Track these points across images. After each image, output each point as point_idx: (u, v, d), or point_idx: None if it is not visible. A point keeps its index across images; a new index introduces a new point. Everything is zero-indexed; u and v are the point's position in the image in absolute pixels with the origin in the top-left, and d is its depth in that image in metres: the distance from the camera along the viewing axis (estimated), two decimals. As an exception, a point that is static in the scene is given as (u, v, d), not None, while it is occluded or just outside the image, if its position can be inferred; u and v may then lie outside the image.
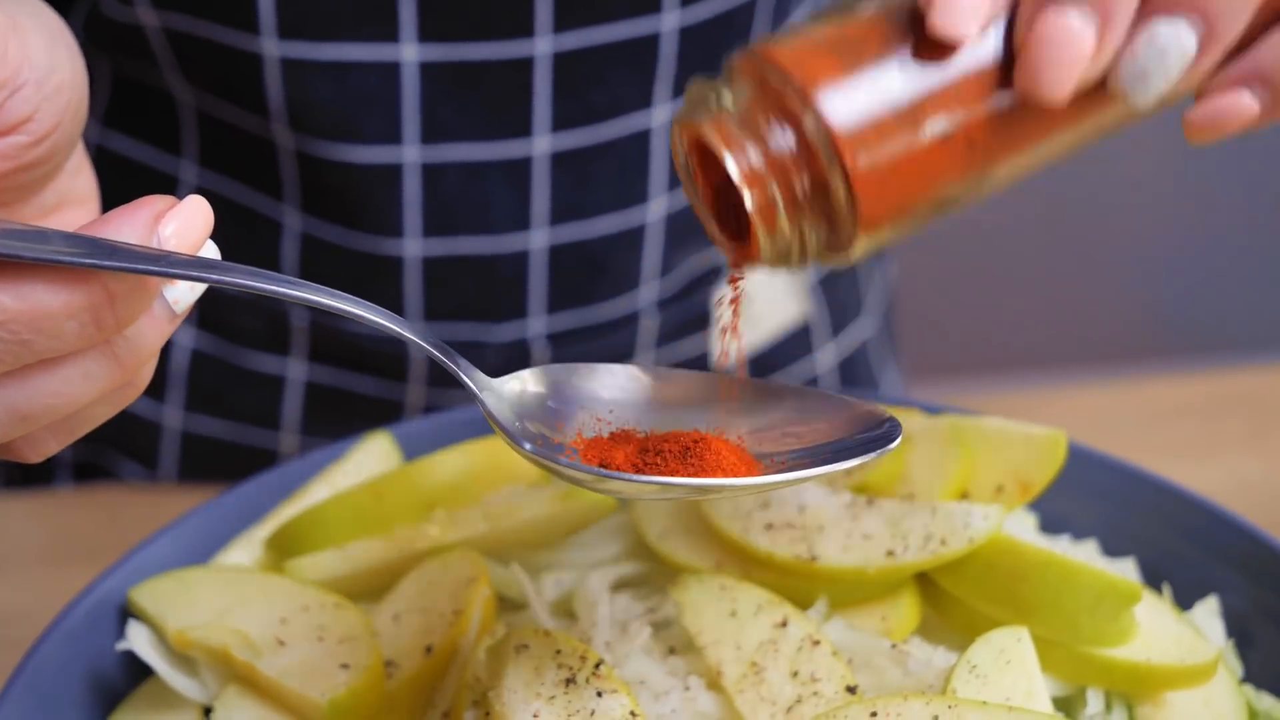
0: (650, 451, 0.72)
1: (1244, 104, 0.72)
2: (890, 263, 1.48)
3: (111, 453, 1.29)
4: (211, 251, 0.67)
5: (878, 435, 0.74)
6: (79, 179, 0.76)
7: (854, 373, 1.36)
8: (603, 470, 0.70)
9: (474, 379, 0.73)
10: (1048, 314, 2.56)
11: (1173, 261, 2.56)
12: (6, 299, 0.61)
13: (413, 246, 1.15)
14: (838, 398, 0.77)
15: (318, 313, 1.20)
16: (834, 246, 0.70)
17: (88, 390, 0.65)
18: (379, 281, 1.17)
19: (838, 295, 1.35)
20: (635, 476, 0.70)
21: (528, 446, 0.70)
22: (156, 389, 1.25)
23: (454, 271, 1.17)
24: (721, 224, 0.73)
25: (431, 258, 1.16)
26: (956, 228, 2.47)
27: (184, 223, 0.65)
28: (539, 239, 1.17)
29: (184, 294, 0.66)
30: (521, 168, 1.14)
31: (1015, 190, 2.35)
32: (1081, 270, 2.56)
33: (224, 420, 1.25)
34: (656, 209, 1.19)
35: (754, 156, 0.69)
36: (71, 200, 0.75)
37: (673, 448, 0.71)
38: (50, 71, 0.68)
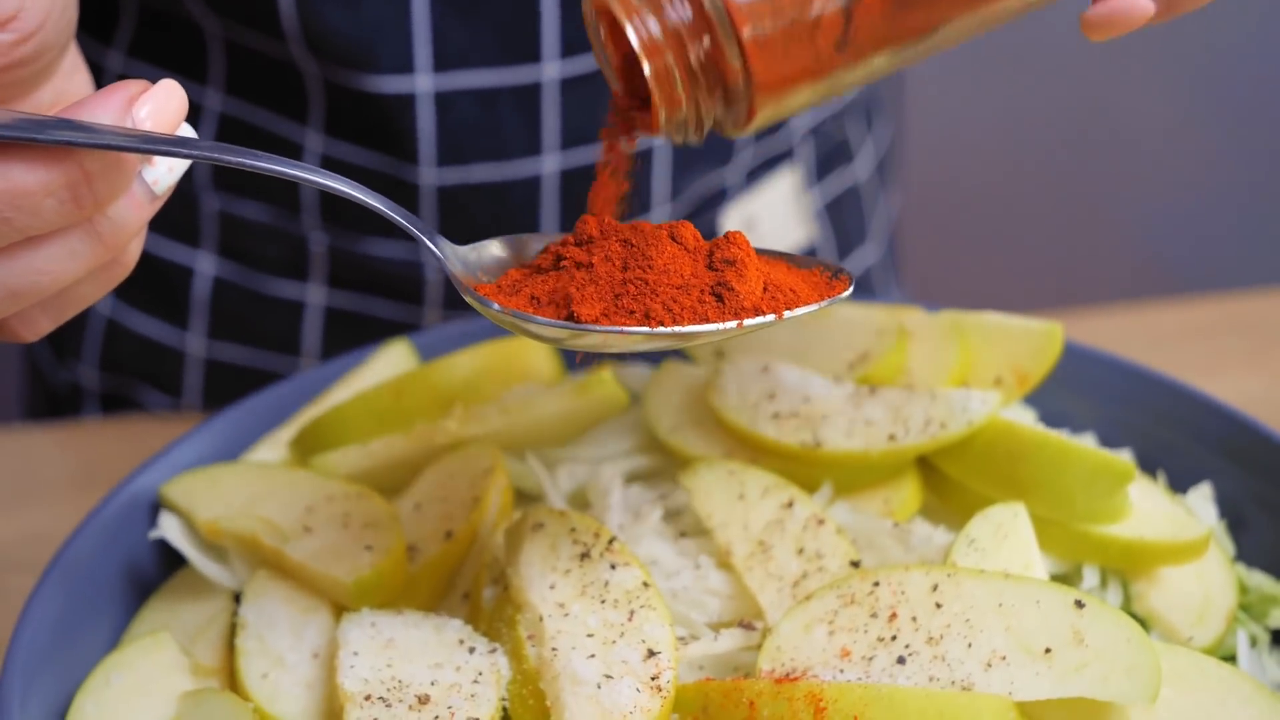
0: (624, 296, 0.72)
1: (1140, 5, 0.75)
2: (894, 192, 1.51)
3: (136, 383, 1.33)
4: (187, 133, 0.69)
5: (836, 283, 0.76)
6: (74, 80, 0.78)
7: (860, 296, 1.39)
8: (575, 325, 0.71)
9: (440, 247, 0.75)
10: (1052, 246, 2.58)
11: (1173, 192, 2.58)
12: None
13: (428, 175, 1.18)
14: (785, 253, 0.79)
15: (335, 236, 1.23)
16: (731, 118, 0.74)
17: (73, 268, 0.67)
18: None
19: (843, 221, 1.38)
20: (606, 328, 0.71)
21: (495, 307, 0.72)
22: (180, 316, 1.29)
23: (468, 198, 1.20)
24: (629, 91, 0.77)
25: (446, 186, 1.19)
26: (960, 160, 2.50)
27: (158, 104, 0.67)
28: (550, 164, 1.20)
29: (163, 175, 0.68)
30: (531, 93, 1.17)
31: (1020, 122, 2.36)
32: (1083, 202, 2.58)
33: (245, 346, 1.28)
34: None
35: (653, 26, 0.72)
36: (68, 100, 0.77)
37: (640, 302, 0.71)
38: None
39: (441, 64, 1.14)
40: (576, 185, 1.21)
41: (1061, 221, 2.58)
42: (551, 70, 1.16)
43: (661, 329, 0.71)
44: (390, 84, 1.14)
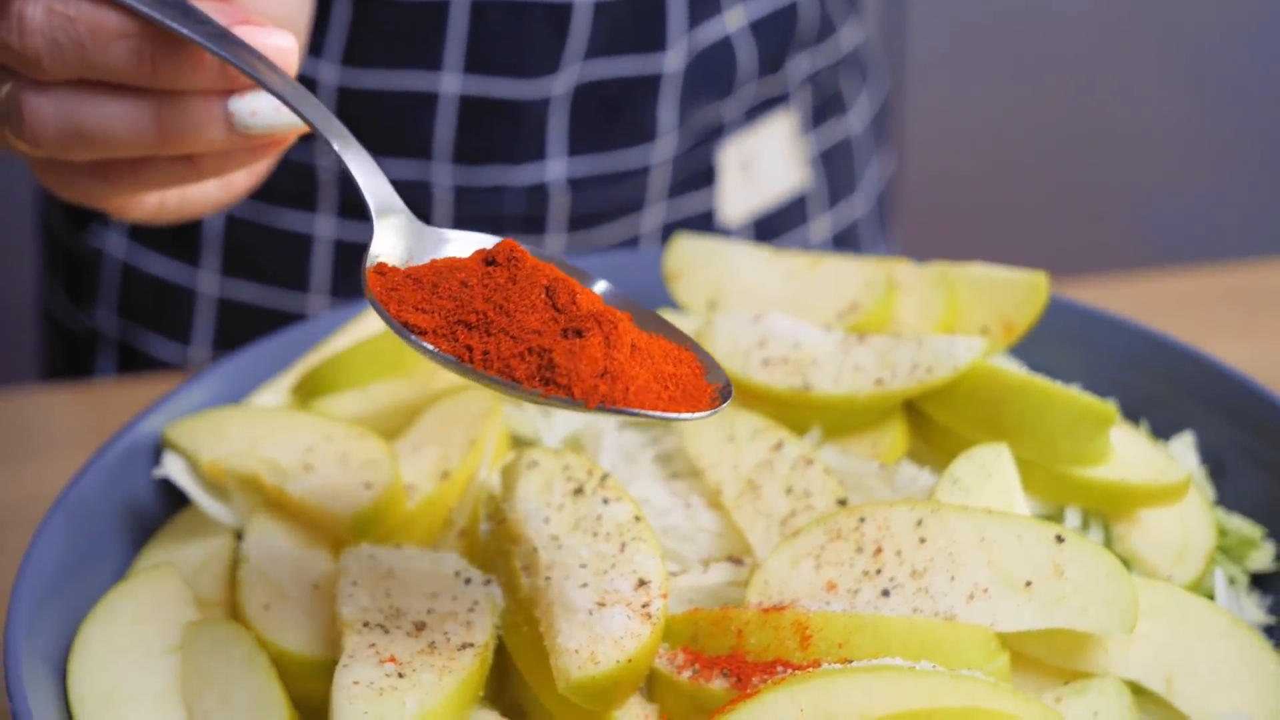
0: (462, 325, 0.71)
1: None
2: (888, 153, 1.54)
3: (149, 332, 1.36)
4: (289, 90, 0.74)
5: (699, 400, 0.72)
6: None
7: (846, 248, 1.42)
8: (401, 329, 0.71)
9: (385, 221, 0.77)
10: (1046, 218, 2.60)
11: (1167, 165, 2.60)
12: (86, 4, 0.73)
13: (450, 82, 1.21)
14: (690, 343, 0.75)
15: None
16: None
17: (133, 137, 0.75)
18: (414, 122, 1.24)
19: (835, 171, 1.41)
20: (425, 344, 0.70)
21: (369, 296, 0.73)
22: (192, 254, 1.32)
23: (485, 112, 1.23)
24: None
25: (467, 96, 1.22)
26: (958, 132, 2.52)
27: (265, 35, 0.75)
28: (563, 84, 1.23)
29: (243, 111, 0.76)
30: (563, 12, 1.20)
31: (1019, 96, 2.38)
32: (1078, 176, 2.60)
33: (257, 284, 1.31)
34: (674, 59, 1.25)
35: None
36: None
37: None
38: None
39: None
40: (584, 102, 1.24)
41: (1056, 194, 2.60)
42: None
43: (467, 366, 0.70)
44: None
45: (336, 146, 0.75)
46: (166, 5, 0.74)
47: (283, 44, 0.75)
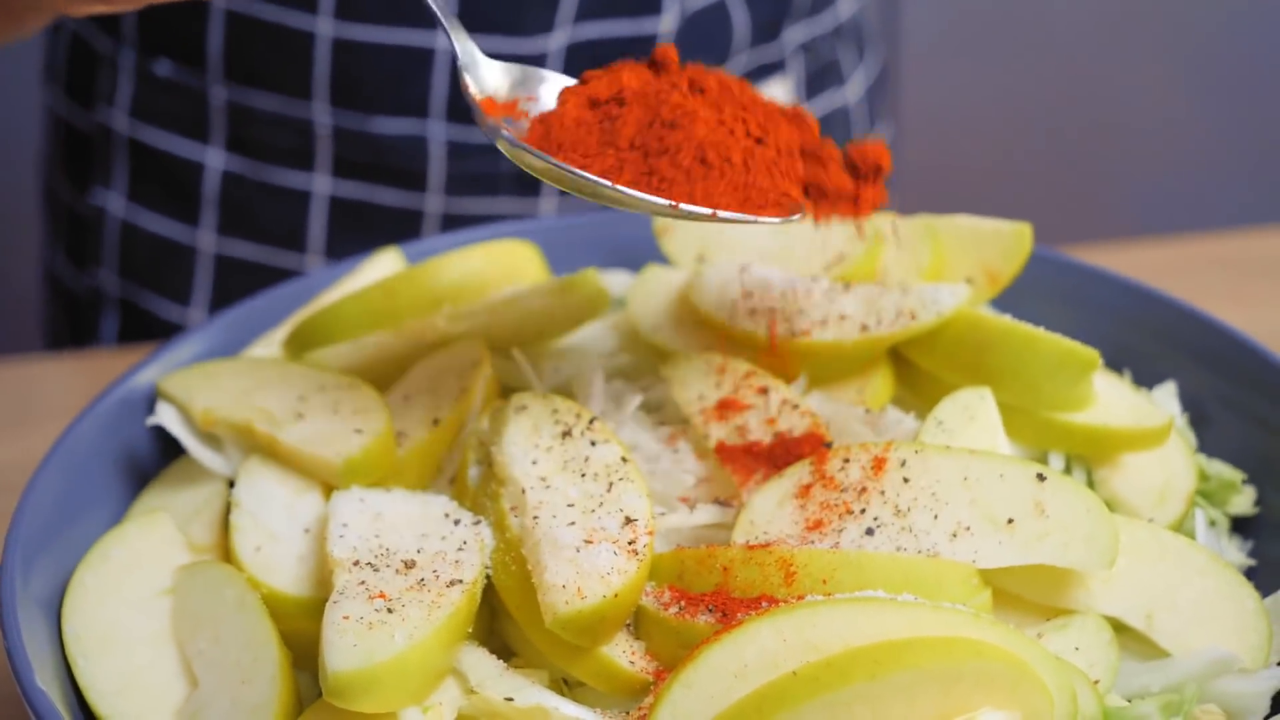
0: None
1: None
2: (886, 125, 1.54)
3: (149, 291, 1.37)
4: None
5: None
6: None
7: None
8: (596, 177, 0.75)
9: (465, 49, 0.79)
10: (1041, 187, 2.61)
11: (1160, 135, 2.61)
12: None
13: (446, 39, 1.23)
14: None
15: (343, 118, 1.27)
16: None
17: None
18: (410, 78, 1.25)
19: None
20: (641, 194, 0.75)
21: (505, 135, 0.76)
22: (191, 213, 1.33)
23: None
24: None
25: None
26: (954, 102, 2.53)
27: None
28: (557, 41, 1.24)
29: None
30: None
31: (1013, 70, 2.37)
32: (1072, 146, 2.61)
33: (253, 243, 1.33)
34: (667, 21, 1.26)
35: None
36: None
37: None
38: None
39: None
40: (579, 62, 1.25)
41: (1051, 164, 2.61)
42: None
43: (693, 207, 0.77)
44: None
45: None
46: None
47: None
